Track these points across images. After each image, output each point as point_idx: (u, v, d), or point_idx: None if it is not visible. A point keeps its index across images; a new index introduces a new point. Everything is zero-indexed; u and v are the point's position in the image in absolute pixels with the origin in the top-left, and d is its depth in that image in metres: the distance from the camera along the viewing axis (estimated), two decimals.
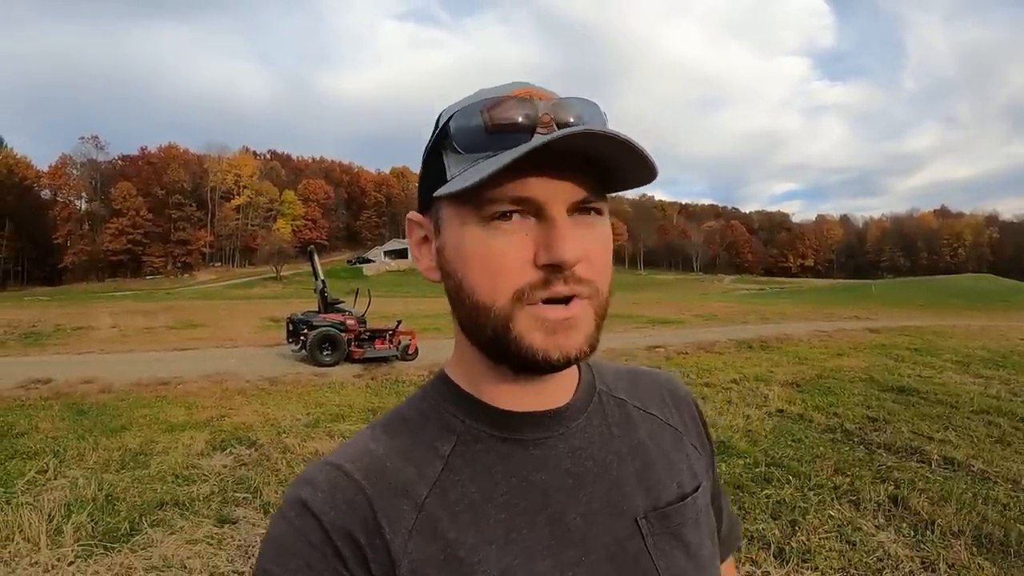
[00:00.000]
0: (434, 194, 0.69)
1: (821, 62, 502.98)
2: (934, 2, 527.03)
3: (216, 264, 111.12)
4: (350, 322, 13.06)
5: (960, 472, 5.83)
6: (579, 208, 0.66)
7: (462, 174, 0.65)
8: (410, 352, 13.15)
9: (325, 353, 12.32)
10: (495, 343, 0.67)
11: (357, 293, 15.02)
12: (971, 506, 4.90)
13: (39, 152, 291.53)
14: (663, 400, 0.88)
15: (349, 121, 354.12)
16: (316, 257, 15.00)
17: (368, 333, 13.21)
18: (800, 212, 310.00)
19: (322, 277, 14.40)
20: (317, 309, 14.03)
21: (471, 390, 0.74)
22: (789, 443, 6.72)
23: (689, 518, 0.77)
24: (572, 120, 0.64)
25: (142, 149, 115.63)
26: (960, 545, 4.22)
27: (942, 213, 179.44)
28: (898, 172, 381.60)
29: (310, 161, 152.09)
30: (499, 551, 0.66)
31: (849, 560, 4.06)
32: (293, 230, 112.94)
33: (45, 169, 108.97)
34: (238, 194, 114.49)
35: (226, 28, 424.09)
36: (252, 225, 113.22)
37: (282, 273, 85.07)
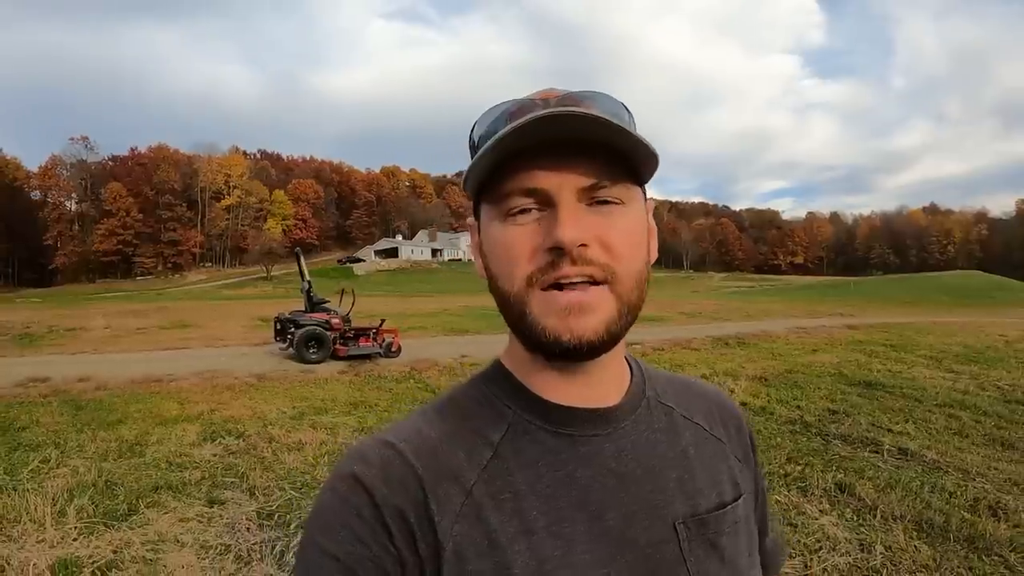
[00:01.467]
0: (463, 189, 0.76)
1: (811, 60, 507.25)
2: (922, 1, 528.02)
3: (206, 264, 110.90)
4: (335, 321, 13.50)
5: (912, 462, 6.14)
6: (595, 197, 0.68)
7: (468, 170, 0.70)
8: (393, 349, 13.59)
9: (311, 351, 12.78)
10: (518, 328, 0.72)
11: (342, 293, 15.42)
12: (916, 493, 5.18)
13: (29, 153, 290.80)
14: (710, 412, 0.90)
15: (339, 120, 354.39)
16: (302, 258, 15.35)
17: (353, 331, 13.64)
18: (790, 210, 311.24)
19: (308, 278, 14.77)
20: (304, 309, 14.43)
21: (523, 380, 0.77)
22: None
23: (727, 527, 0.78)
24: (579, 109, 0.65)
25: (132, 149, 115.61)
26: (899, 529, 4.47)
27: (931, 210, 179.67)
28: (888, 169, 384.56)
29: (300, 161, 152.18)
30: (539, 542, 0.68)
31: (788, 540, 4.28)
32: (283, 230, 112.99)
33: (35, 170, 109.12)
34: (228, 194, 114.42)
35: (215, 28, 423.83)
36: (242, 225, 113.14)
37: (272, 273, 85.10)
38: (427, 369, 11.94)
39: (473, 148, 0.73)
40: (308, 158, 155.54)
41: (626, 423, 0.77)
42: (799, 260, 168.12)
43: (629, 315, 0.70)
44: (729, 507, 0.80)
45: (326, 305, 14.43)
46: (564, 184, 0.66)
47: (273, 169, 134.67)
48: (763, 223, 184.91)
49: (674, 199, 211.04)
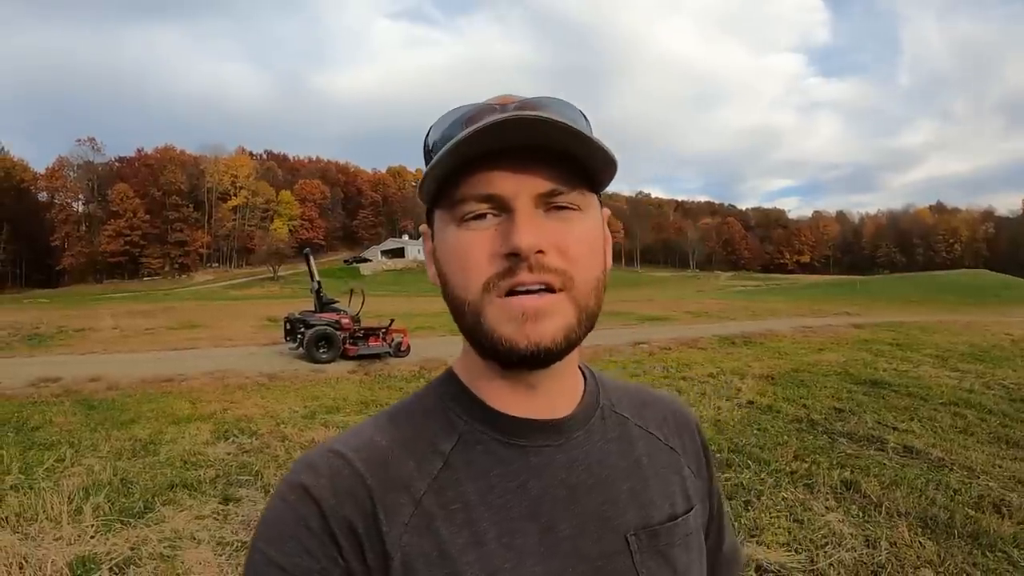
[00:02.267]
0: (418, 197, 0.74)
1: (815, 58, 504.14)
2: None
3: (213, 265, 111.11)
4: (345, 321, 13.59)
5: (917, 459, 6.20)
6: (552, 203, 0.67)
7: (423, 177, 0.69)
8: (402, 349, 13.70)
9: (321, 350, 12.90)
10: (473, 336, 0.70)
11: (352, 293, 15.51)
12: (921, 490, 5.25)
13: (36, 154, 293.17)
14: (665, 421, 0.89)
15: (345, 121, 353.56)
16: (312, 259, 15.45)
17: (362, 331, 13.73)
18: (796, 209, 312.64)
19: (318, 278, 14.87)
20: (313, 309, 14.51)
21: (475, 390, 0.76)
22: (754, 432, 7.15)
23: (678, 539, 0.78)
24: (538, 114, 0.64)
25: (139, 151, 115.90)
26: (904, 525, 4.53)
27: (938, 209, 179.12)
28: (894, 168, 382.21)
29: (306, 161, 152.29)
30: (489, 554, 0.67)
31: (795, 536, 4.40)
32: (290, 230, 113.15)
33: (42, 171, 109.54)
34: (235, 195, 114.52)
35: (221, 29, 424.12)
36: (249, 225, 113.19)
37: (279, 273, 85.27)
38: (436, 368, 11.89)
39: (427, 153, 0.73)
40: (314, 158, 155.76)
41: (579, 434, 0.77)
42: (805, 259, 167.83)
43: (587, 322, 0.70)
44: (680, 519, 0.80)
45: (336, 305, 14.53)
46: (521, 190, 0.66)
47: (279, 169, 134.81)
48: (769, 222, 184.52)
49: (680, 198, 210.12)
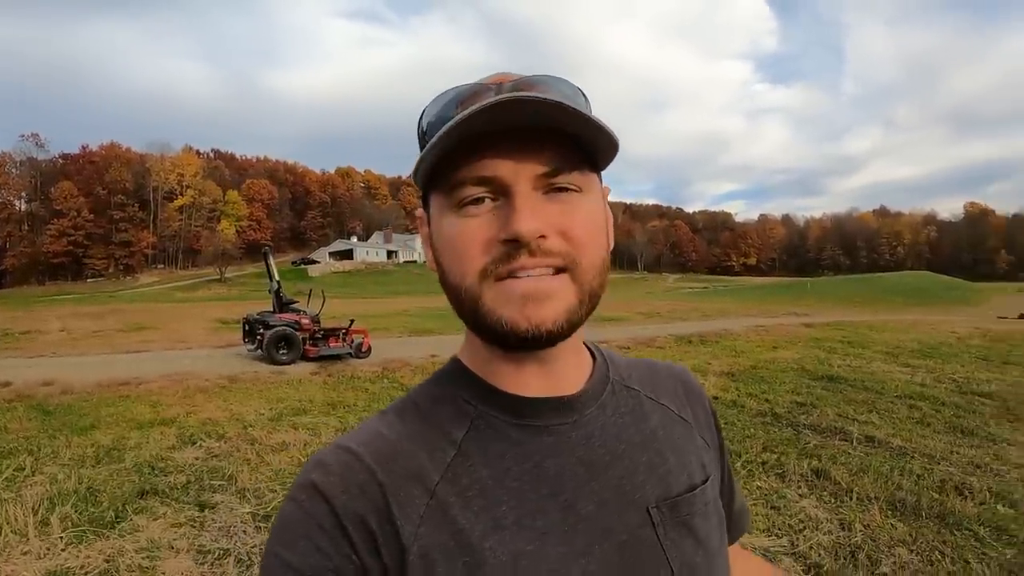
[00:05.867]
0: (413, 180, 0.72)
1: (764, 65, 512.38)
2: (876, 8, 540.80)
3: (159, 266, 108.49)
4: (305, 321, 13.43)
5: (880, 448, 6.47)
6: (552, 185, 0.66)
7: (420, 156, 0.67)
8: (363, 350, 13.58)
9: (281, 352, 12.71)
10: (473, 321, 0.69)
11: (311, 293, 15.35)
12: (887, 477, 5.54)
13: None
14: (675, 392, 0.89)
15: (294, 120, 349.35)
16: (271, 258, 15.24)
17: (322, 332, 13.58)
18: (743, 212, 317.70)
19: (277, 278, 14.69)
20: (272, 309, 14.31)
21: (482, 375, 0.75)
22: (722, 426, 7.24)
23: (698, 509, 0.78)
24: (536, 94, 0.62)
25: (84, 147, 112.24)
26: (875, 509, 4.78)
27: (881, 213, 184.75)
28: (839, 173, 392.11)
29: (254, 161, 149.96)
30: (511, 537, 0.67)
31: (774, 523, 4.60)
32: (237, 231, 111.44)
33: None
34: (181, 194, 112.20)
35: (171, 24, 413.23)
36: (195, 226, 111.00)
37: (226, 275, 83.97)
38: (399, 369, 11.94)
39: (422, 136, 0.71)
40: (262, 158, 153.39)
41: (591, 409, 0.76)
42: (752, 261, 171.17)
43: (590, 303, 0.69)
44: (699, 488, 0.79)
45: (295, 306, 14.37)
46: (520, 172, 0.64)
47: (227, 169, 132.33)
48: (716, 225, 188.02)
49: (628, 201, 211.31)
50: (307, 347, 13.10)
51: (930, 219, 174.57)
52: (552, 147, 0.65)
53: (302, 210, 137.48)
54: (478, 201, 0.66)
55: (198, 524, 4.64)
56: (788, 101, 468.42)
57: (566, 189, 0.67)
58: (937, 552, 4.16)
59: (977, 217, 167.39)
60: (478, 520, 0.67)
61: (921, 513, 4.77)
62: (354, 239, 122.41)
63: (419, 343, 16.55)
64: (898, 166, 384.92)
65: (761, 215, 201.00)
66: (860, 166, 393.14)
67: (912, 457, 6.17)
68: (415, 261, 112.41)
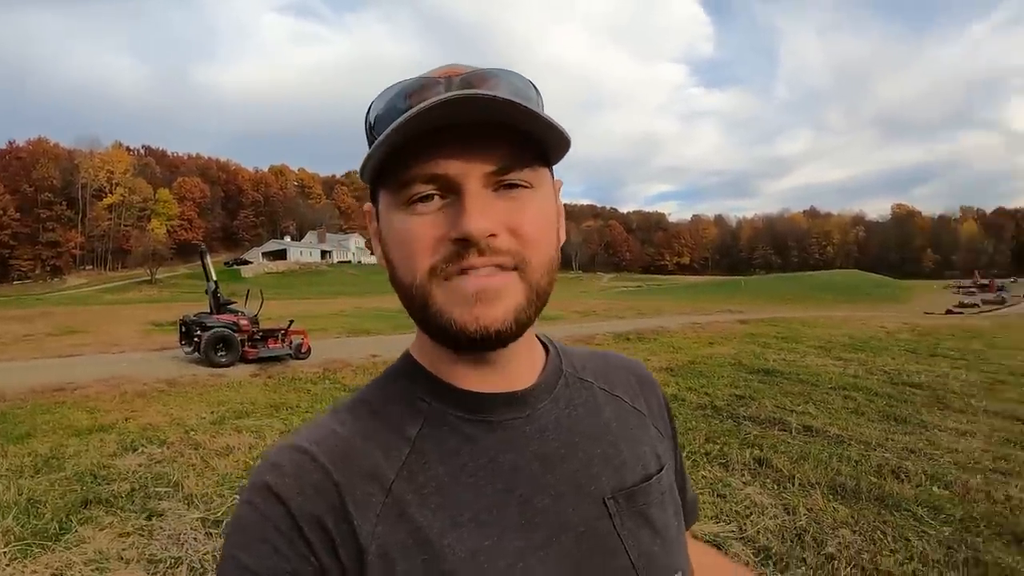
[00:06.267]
0: (361, 177, 0.71)
1: (699, 69, 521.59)
2: (809, 16, 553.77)
3: (87, 267, 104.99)
4: (243, 322, 13.17)
5: (818, 437, 6.77)
6: (502, 182, 0.65)
7: (366, 156, 0.66)
8: (303, 351, 13.39)
9: (220, 354, 12.39)
10: (422, 321, 0.69)
11: (248, 294, 15.09)
12: (826, 463, 5.79)
13: None
14: (629, 383, 0.89)
15: (227, 116, 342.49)
16: (208, 258, 14.87)
17: (261, 333, 13.35)
18: (676, 212, 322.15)
19: (214, 278, 14.38)
20: (209, 310, 13.98)
21: (435, 371, 0.75)
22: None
23: (654, 498, 0.78)
24: (483, 90, 0.62)
25: (10, 143, 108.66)
26: (817, 494, 5.00)
27: (812, 213, 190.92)
28: (770, 175, 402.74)
29: (186, 158, 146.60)
30: (469, 533, 0.67)
31: (721, 509, 4.74)
32: (168, 231, 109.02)
33: None
34: (111, 192, 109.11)
35: (101, 16, 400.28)
36: (125, 225, 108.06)
37: (157, 276, 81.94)
38: (340, 369, 11.84)
39: (369, 131, 0.70)
40: (194, 155, 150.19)
41: (544, 403, 0.76)
42: (685, 261, 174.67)
43: (539, 301, 0.69)
44: (654, 478, 0.80)
45: (233, 306, 14.05)
46: (469, 170, 0.64)
47: (158, 166, 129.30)
48: (650, 225, 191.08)
49: (563, 201, 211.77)
50: (246, 349, 12.82)
51: (859, 220, 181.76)
52: (503, 143, 0.65)
53: (234, 209, 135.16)
54: (427, 199, 0.65)
55: (146, 533, 4.50)
56: (722, 105, 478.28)
57: (517, 186, 0.66)
58: (879, 531, 4.37)
59: (904, 218, 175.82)
60: (436, 517, 0.67)
61: (861, 496, 5.00)
62: (287, 239, 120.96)
63: (358, 343, 16.46)
64: (828, 169, 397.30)
65: (694, 215, 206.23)
66: (791, 168, 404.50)
67: (849, 444, 6.45)
68: (349, 261, 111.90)
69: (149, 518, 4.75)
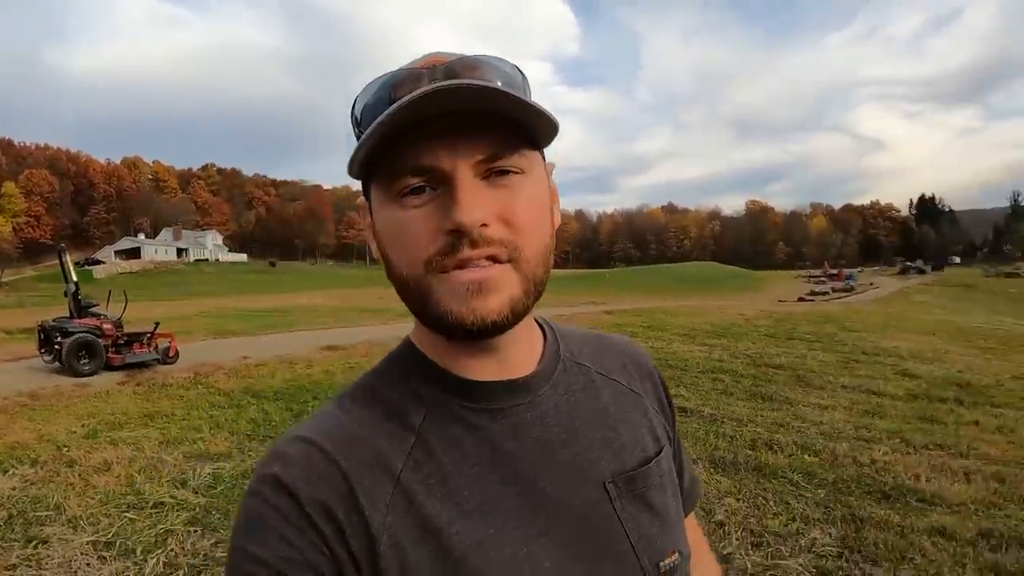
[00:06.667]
0: (349, 172, 0.70)
1: (564, 68, 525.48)
2: (672, 20, 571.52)
3: None
4: (107, 327, 12.34)
5: (692, 417, 7.27)
6: (492, 168, 0.66)
7: (356, 147, 0.66)
8: (171, 355, 12.71)
9: (83, 362, 11.53)
10: (419, 313, 0.70)
11: (110, 295, 14.25)
12: (704, 440, 6.29)
13: None
14: (625, 366, 0.90)
15: (78, 103, 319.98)
16: (67, 257, 13.76)
17: (126, 337, 12.61)
18: None
19: (75, 279, 13.36)
20: (69, 314, 13.02)
21: (436, 359, 0.75)
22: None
23: (654, 481, 0.79)
24: (469, 79, 0.63)
25: None
26: (699, 468, 5.40)
27: (670, 209, 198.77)
28: (630, 172, 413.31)
29: (33, 148, 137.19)
30: (475, 522, 0.67)
31: None
32: (14, 228, 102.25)
33: None
34: None
35: None
36: None
37: (2, 279, 76.26)
38: (212, 373, 11.27)
39: (356, 124, 0.70)
40: (43, 145, 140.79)
41: (545, 389, 0.77)
42: None
43: (535, 290, 0.70)
44: (653, 461, 0.81)
45: (95, 309, 13.14)
46: (459, 160, 0.64)
47: (3, 156, 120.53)
48: None
49: None
50: (110, 355, 12.01)
51: (715, 215, 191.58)
52: (491, 131, 0.65)
53: (85, 204, 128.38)
54: (418, 191, 0.65)
55: (34, 562, 4.21)
56: (586, 103, 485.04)
57: (508, 172, 0.66)
58: (760, 498, 4.84)
59: (758, 213, 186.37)
60: (443, 507, 0.67)
61: (740, 468, 5.48)
62: (142, 236, 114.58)
63: (227, 345, 15.82)
64: (686, 167, 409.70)
65: None
66: (650, 166, 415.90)
67: (723, 422, 6.98)
68: (207, 260, 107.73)
69: (34, 546, 4.43)
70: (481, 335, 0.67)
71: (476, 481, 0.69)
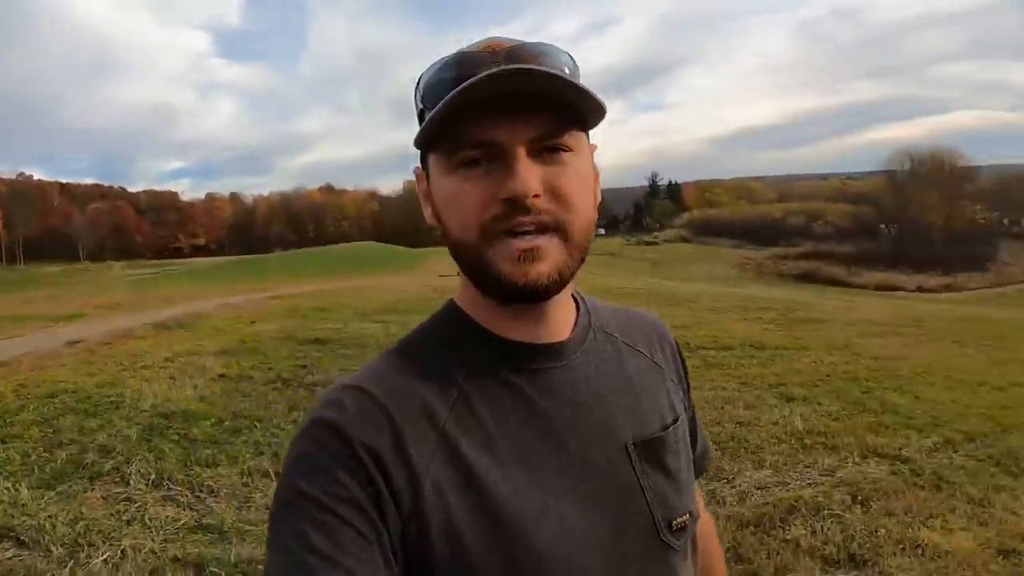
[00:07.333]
0: (415, 144, 0.79)
1: (222, 39, 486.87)
2: (340, 1, 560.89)
3: None
4: None
5: None
6: (545, 145, 0.71)
7: (423, 124, 0.72)
8: None
9: None
10: (474, 274, 0.75)
11: None
12: None
13: None
14: (650, 339, 0.96)
15: None
16: None
17: None
18: (189, 191, 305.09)
19: None
20: None
21: (479, 320, 0.81)
22: (242, 398, 7.59)
23: (670, 447, 0.85)
24: (530, 64, 0.68)
25: None
26: None
27: (328, 190, 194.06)
28: (287, 151, 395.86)
29: None
30: (510, 472, 0.72)
31: None
32: None
33: None
34: None
35: None
36: None
37: None
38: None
39: (420, 101, 0.77)
40: None
41: (577, 355, 0.82)
42: (201, 242, 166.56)
43: (580, 257, 0.75)
44: (670, 429, 0.86)
45: None
46: (515, 136, 0.69)
47: None
48: (162, 205, 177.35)
49: (64, 180, 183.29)
50: None
51: (373, 195, 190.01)
52: (545, 112, 0.71)
53: None
54: (475, 163, 0.71)
55: None
56: (243, 78, 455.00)
57: (558, 150, 0.72)
58: None
59: (414, 193, 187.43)
60: (481, 457, 0.72)
61: None
62: None
63: (38, 338, 14.05)
64: (344, 147, 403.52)
65: (208, 193, 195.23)
66: (308, 145, 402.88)
67: None
68: None
69: None
70: (532, 297, 0.73)
71: (513, 435, 0.75)
